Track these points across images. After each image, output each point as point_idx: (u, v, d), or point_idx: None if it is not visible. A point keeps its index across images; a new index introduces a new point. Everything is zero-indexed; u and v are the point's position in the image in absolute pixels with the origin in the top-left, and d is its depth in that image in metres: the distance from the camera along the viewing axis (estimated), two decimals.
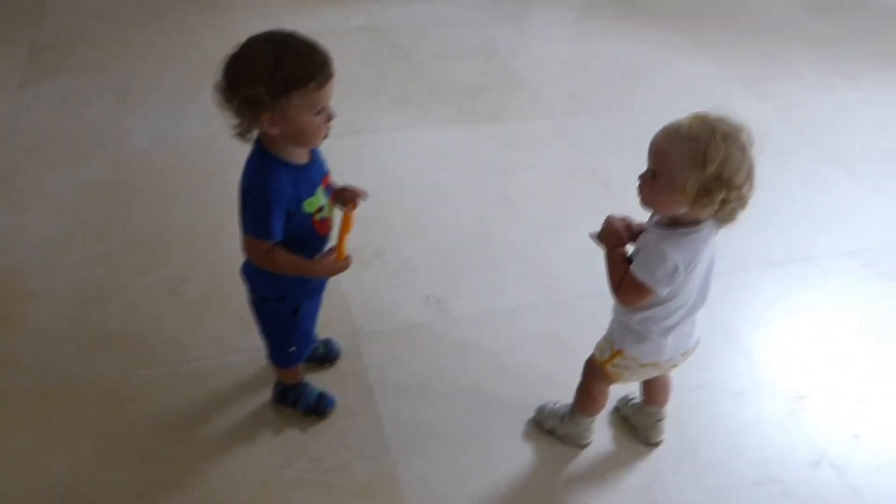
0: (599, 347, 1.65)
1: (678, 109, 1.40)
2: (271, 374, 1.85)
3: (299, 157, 1.46)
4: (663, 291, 1.41)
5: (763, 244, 2.52)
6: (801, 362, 2.10)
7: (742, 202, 1.31)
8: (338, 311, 2.13)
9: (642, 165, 1.38)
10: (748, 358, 2.09)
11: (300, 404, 1.83)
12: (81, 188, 2.57)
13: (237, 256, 1.57)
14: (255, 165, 1.43)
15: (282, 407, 1.84)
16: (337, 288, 2.20)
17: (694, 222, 1.37)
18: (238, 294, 1.72)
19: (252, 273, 1.60)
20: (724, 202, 1.28)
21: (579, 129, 3.08)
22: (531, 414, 1.87)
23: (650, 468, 1.78)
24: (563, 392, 1.81)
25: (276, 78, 1.30)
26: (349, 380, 1.94)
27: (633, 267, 1.42)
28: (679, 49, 3.82)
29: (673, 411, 1.85)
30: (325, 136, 1.42)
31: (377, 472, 1.73)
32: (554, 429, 1.82)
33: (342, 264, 1.52)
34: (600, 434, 1.84)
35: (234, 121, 1.38)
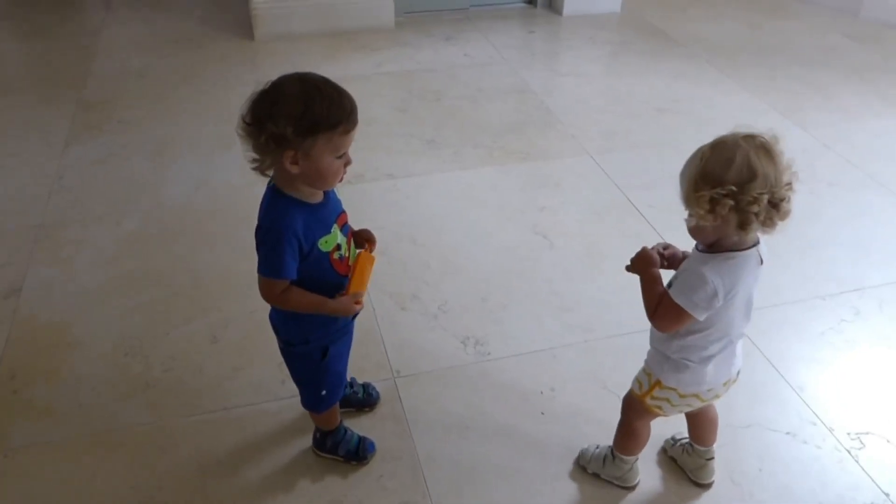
0: (637, 380, 1.60)
1: None
2: (311, 421, 1.83)
3: (313, 196, 1.46)
4: (701, 317, 1.37)
5: (812, 276, 2.44)
6: (858, 398, 2.01)
7: (752, 204, 1.23)
8: (376, 355, 2.12)
9: (678, 200, 1.35)
10: (800, 394, 2.01)
11: (340, 450, 1.80)
12: (123, 239, 2.62)
13: None
14: (267, 205, 1.44)
15: (322, 454, 1.82)
16: (374, 331, 2.19)
17: (734, 247, 1.34)
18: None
19: (276, 318, 1.60)
20: (713, 201, 1.24)
21: (614, 164, 3.06)
22: (573, 454, 1.82)
23: None
24: (605, 431, 1.75)
25: (305, 118, 1.31)
26: (388, 424, 1.92)
27: (671, 290, 1.39)
28: (716, 82, 3.79)
29: (723, 451, 1.78)
30: (341, 180, 1.43)
31: None
32: (598, 473, 1.77)
33: (356, 306, 1.50)
34: (648, 475, 1.78)
35: (254, 155, 1.37)
